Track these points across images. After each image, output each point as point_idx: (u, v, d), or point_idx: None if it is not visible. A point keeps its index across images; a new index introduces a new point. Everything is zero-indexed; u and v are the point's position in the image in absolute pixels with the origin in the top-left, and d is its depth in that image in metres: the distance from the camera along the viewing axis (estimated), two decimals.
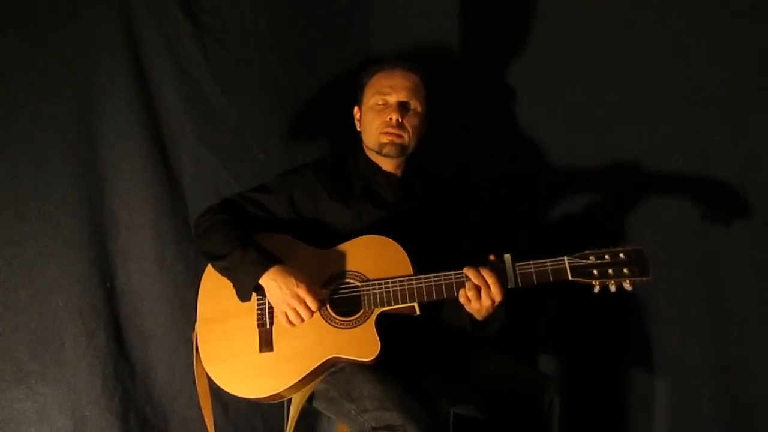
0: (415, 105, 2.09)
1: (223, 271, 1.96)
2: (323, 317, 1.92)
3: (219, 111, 2.46)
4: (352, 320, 1.91)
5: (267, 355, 1.93)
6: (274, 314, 1.94)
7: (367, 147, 2.15)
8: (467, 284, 1.85)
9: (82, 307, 2.23)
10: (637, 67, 2.38)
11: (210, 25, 2.44)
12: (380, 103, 2.09)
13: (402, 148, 2.08)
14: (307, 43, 2.61)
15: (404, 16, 2.71)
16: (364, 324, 1.90)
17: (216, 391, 2.06)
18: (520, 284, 1.85)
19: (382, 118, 2.07)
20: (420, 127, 2.11)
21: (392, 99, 2.07)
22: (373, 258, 1.94)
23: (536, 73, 2.52)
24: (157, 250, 2.35)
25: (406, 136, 2.07)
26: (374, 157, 2.14)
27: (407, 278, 1.89)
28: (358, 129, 2.19)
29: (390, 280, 1.90)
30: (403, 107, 2.07)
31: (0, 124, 2.16)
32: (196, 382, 2.06)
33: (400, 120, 2.05)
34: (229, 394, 1.95)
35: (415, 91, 2.09)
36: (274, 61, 2.56)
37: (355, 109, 2.20)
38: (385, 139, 2.07)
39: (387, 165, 2.13)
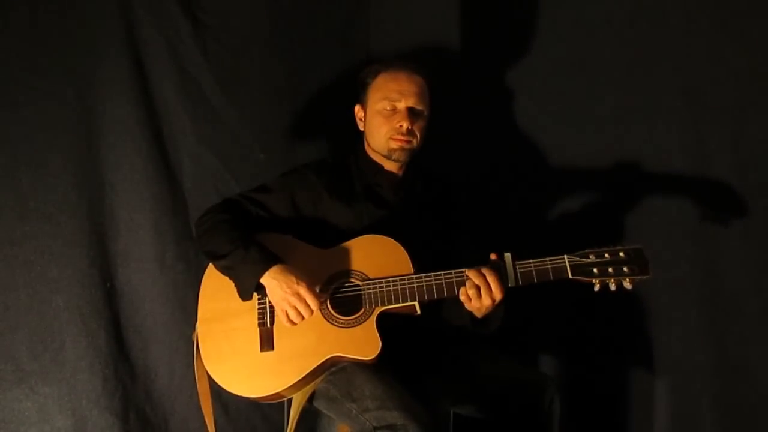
0: (422, 109, 2.09)
1: (225, 270, 1.96)
2: (324, 316, 1.92)
3: (219, 111, 2.46)
4: (353, 319, 1.91)
5: (268, 354, 1.93)
6: (275, 313, 1.94)
7: (371, 148, 2.14)
8: (468, 283, 1.85)
9: (82, 307, 2.24)
10: (637, 67, 2.38)
11: (210, 25, 2.43)
12: (388, 108, 2.07)
13: (410, 153, 2.09)
14: (307, 43, 2.61)
15: (404, 16, 2.71)
16: (365, 323, 1.90)
17: (216, 392, 2.06)
18: (520, 283, 1.86)
19: (391, 124, 2.06)
20: (425, 129, 2.11)
21: (401, 105, 2.06)
22: (373, 257, 1.94)
23: (536, 73, 2.52)
24: (157, 250, 2.35)
25: (414, 141, 2.08)
26: (377, 157, 2.14)
27: (408, 277, 1.90)
28: (361, 128, 2.18)
29: (391, 279, 1.90)
30: (411, 113, 2.06)
31: (0, 124, 2.16)
32: (197, 382, 2.06)
33: (410, 128, 2.05)
34: (230, 394, 1.95)
35: (422, 96, 2.09)
36: (274, 61, 2.56)
37: (357, 107, 2.19)
38: (395, 145, 2.07)
39: (389, 165, 2.13)
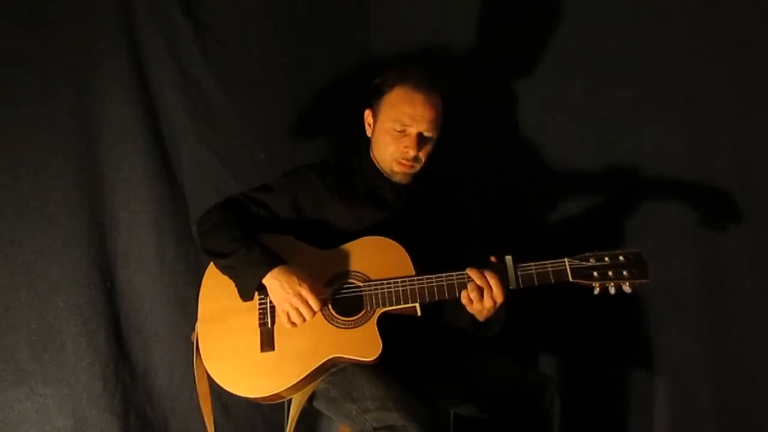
0: (433, 134, 2.04)
1: (226, 270, 1.96)
2: (325, 317, 1.92)
3: (219, 111, 2.46)
4: (354, 320, 1.91)
5: (268, 354, 1.93)
6: (276, 314, 1.94)
7: (375, 158, 2.12)
8: (469, 285, 1.85)
9: (82, 307, 2.24)
10: (637, 67, 2.38)
11: (210, 25, 2.43)
12: (398, 129, 2.02)
13: (413, 175, 2.08)
14: (307, 43, 2.61)
15: (404, 16, 2.70)
16: (366, 324, 1.90)
17: (216, 392, 2.06)
18: (521, 285, 1.86)
19: (398, 146, 2.02)
20: (433, 149, 2.07)
21: (412, 130, 2.01)
22: (375, 258, 1.94)
23: (536, 74, 2.52)
24: (157, 250, 2.35)
25: (419, 165, 2.06)
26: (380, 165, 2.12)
27: (409, 279, 1.90)
28: (368, 134, 2.13)
29: (392, 281, 1.90)
30: (421, 139, 2.02)
31: (0, 124, 2.16)
32: (197, 383, 2.06)
33: (417, 155, 2.03)
34: (230, 394, 1.95)
35: (435, 122, 2.02)
36: (274, 61, 2.56)
37: (367, 112, 2.12)
38: (398, 168, 2.05)
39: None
